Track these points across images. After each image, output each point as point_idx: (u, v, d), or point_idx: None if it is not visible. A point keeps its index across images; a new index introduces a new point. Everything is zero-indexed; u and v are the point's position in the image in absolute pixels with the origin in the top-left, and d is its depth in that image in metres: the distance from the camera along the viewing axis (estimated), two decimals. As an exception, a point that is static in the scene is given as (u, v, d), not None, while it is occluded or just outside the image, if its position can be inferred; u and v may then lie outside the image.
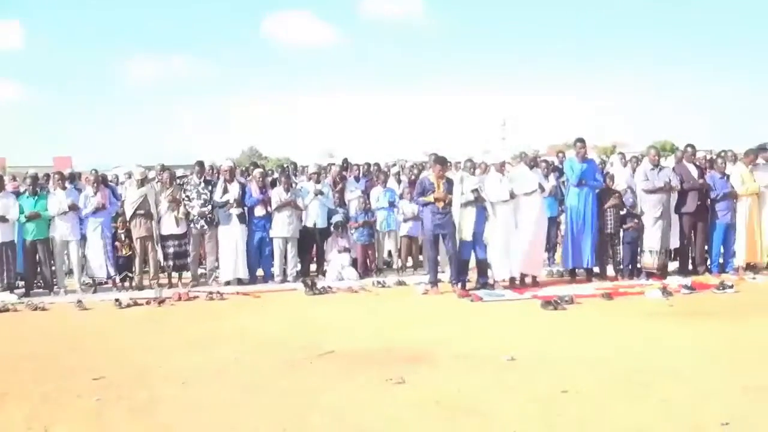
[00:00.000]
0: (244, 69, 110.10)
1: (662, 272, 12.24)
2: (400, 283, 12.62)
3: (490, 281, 11.83)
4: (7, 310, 11.07)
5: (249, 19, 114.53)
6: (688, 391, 6.05)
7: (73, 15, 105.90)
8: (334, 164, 16.08)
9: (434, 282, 11.73)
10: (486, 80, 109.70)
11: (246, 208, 12.98)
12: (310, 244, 13.76)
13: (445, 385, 6.40)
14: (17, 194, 12.80)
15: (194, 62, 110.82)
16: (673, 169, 12.74)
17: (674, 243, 12.79)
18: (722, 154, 13.74)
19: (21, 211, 12.22)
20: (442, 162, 11.95)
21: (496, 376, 6.70)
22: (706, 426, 5.21)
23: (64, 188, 12.65)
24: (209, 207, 12.79)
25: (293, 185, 13.62)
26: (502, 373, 6.80)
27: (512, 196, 11.77)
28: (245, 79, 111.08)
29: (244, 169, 15.88)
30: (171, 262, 12.86)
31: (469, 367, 7.01)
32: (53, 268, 12.71)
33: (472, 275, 12.04)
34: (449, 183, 11.76)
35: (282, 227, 13.07)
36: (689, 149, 13.06)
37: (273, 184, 13.74)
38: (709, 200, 12.62)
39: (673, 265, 12.84)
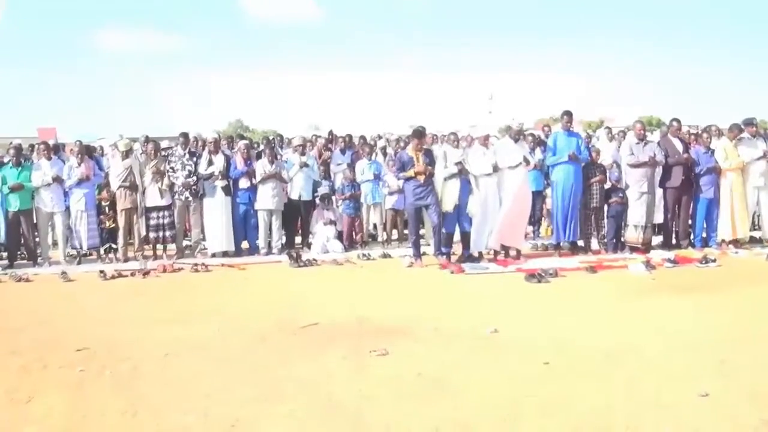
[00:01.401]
0: (227, 40, 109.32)
1: (646, 246, 12.29)
2: (385, 256, 12.64)
3: (475, 254, 11.85)
4: (-9, 281, 11.05)
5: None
6: (667, 365, 6.08)
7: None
8: (319, 136, 16.03)
9: (418, 255, 11.76)
10: (473, 54, 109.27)
11: (231, 180, 12.93)
12: (296, 217, 13.76)
13: (426, 358, 6.42)
14: (0, 165, 12.72)
15: (177, 33, 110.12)
16: (658, 143, 12.76)
17: (658, 218, 12.85)
18: (707, 128, 13.77)
19: (4, 182, 12.15)
20: (419, 135, 11.87)
21: (478, 349, 6.72)
22: (685, 398, 5.25)
23: (49, 159, 12.58)
24: (194, 178, 12.74)
25: (278, 157, 13.57)
26: (484, 346, 6.82)
27: (496, 169, 11.76)
28: (228, 51, 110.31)
29: (229, 141, 15.76)
30: (156, 234, 12.80)
31: (452, 340, 7.02)
32: (37, 239, 12.67)
33: (457, 248, 12.07)
34: (428, 156, 11.74)
35: (266, 199, 13.04)
36: (675, 123, 13.09)
37: (259, 156, 13.69)
38: (693, 175, 12.64)
39: (656, 239, 12.89)
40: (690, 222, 12.92)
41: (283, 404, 5.30)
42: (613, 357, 6.36)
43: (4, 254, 12.59)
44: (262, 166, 13.03)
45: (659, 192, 12.72)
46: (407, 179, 11.67)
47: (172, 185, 12.69)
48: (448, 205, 11.64)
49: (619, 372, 5.95)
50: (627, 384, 5.64)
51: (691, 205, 12.75)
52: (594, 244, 12.68)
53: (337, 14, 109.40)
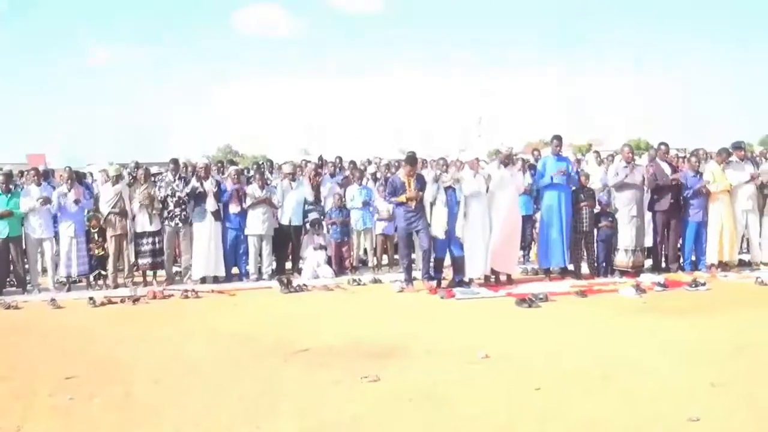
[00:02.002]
0: (215, 63, 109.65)
1: (636, 270, 12.31)
2: (376, 281, 12.63)
3: (466, 279, 11.85)
4: (-20, 308, 10.97)
5: (219, 14, 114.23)
6: (657, 387, 6.11)
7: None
8: (309, 161, 16.06)
9: (409, 280, 11.75)
10: (462, 78, 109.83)
11: (221, 205, 12.91)
12: (286, 242, 13.74)
13: (419, 382, 6.42)
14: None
15: (166, 57, 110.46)
16: (647, 167, 12.82)
17: (648, 241, 12.88)
18: (695, 152, 13.84)
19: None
20: (411, 162, 11.92)
21: (470, 373, 6.72)
22: (674, 421, 5.26)
23: (38, 185, 12.54)
24: (180, 187, 12.70)
25: (268, 183, 13.57)
26: (475, 370, 6.83)
27: (487, 190, 11.77)
28: (216, 74, 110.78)
29: (219, 166, 15.77)
30: (146, 260, 12.74)
31: (444, 365, 7.03)
32: (26, 266, 12.61)
33: (448, 273, 12.07)
34: (420, 181, 11.77)
35: (256, 225, 13.03)
36: (663, 147, 13.16)
37: (249, 181, 13.70)
38: (681, 198, 12.69)
39: (646, 263, 12.91)
40: (679, 245, 12.96)
41: (276, 430, 5.29)
42: (605, 378, 6.38)
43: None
44: (252, 191, 13.02)
45: (648, 215, 12.76)
46: (399, 204, 11.68)
47: (161, 211, 12.65)
48: (438, 230, 11.65)
49: (612, 391, 5.99)
50: (620, 402, 5.68)
51: (680, 228, 12.78)
52: (584, 268, 12.68)
53: (322, 39, 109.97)
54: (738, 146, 13.09)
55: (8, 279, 12.63)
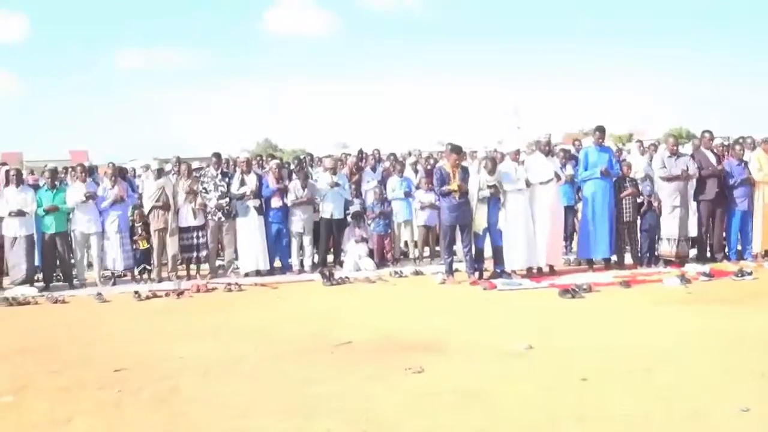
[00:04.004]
0: (250, 60, 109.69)
1: (681, 260, 12.18)
2: (417, 273, 12.63)
3: (507, 270, 11.80)
4: (28, 303, 11.18)
5: (252, 11, 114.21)
6: (706, 379, 6.04)
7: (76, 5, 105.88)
8: (349, 154, 16.10)
9: (451, 271, 11.73)
10: (498, 69, 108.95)
11: (263, 200, 12.99)
12: (328, 235, 13.78)
13: (461, 375, 6.42)
14: (36, 188, 12.89)
15: (200, 53, 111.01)
16: (691, 156, 12.67)
17: (692, 231, 12.72)
18: (740, 140, 13.63)
19: (39, 204, 12.26)
20: (457, 151, 11.87)
21: (512, 365, 6.70)
22: (723, 411, 5.20)
23: (84, 181, 12.70)
24: (227, 199, 12.82)
25: (309, 179, 13.59)
26: (518, 362, 6.81)
27: (528, 184, 11.74)
28: (252, 71, 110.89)
29: (259, 160, 15.86)
30: (189, 254, 12.89)
31: (486, 357, 7.01)
32: (73, 261, 12.78)
33: (490, 264, 12.03)
34: (465, 172, 11.73)
35: (298, 222, 13.12)
36: (707, 135, 12.96)
37: (290, 174, 13.75)
38: (727, 187, 12.51)
39: (691, 253, 12.76)
40: (724, 235, 12.79)
41: (321, 421, 5.31)
42: (650, 370, 6.31)
43: (40, 276, 12.68)
44: (294, 190, 13.08)
45: (693, 205, 12.61)
46: (444, 196, 11.66)
47: (205, 205, 12.77)
48: (480, 226, 11.63)
49: (657, 384, 5.92)
50: (665, 396, 5.61)
51: (725, 217, 12.61)
52: (627, 258, 12.57)
53: (358, 29, 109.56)
54: (785, 134, 12.90)
55: (55, 274, 12.83)
